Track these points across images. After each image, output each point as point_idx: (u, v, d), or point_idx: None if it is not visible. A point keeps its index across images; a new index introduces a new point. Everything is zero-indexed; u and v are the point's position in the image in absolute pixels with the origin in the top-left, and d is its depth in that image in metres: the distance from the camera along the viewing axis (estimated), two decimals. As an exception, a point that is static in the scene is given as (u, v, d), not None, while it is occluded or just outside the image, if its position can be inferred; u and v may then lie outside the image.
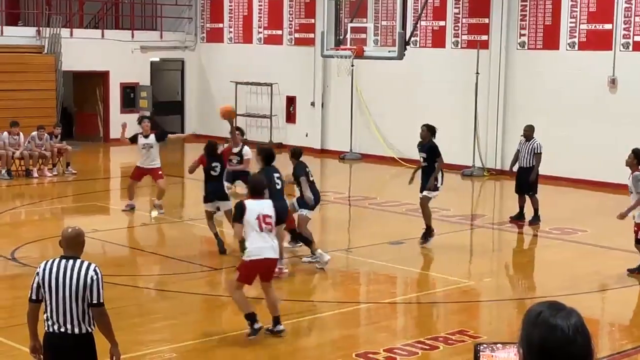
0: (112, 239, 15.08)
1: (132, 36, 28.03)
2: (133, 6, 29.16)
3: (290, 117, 27.27)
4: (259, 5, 27.75)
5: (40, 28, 26.46)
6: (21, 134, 21.32)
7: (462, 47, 23.35)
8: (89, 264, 6.94)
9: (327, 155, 25.67)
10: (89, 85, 28.26)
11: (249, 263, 9.87)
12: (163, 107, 29.60)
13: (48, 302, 6.88)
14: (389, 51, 19.48)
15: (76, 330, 6.87)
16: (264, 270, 10.02)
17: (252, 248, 9.81)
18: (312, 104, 26.46)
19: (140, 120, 17.68)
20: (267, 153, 12.66)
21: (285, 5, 27.11)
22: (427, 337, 10.20)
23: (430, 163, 14.43)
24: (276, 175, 12.47)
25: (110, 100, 28.00)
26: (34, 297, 6.98)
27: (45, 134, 21.60)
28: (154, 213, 16.93)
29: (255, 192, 10.16)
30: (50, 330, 6.91)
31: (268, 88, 27.26)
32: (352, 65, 24.24)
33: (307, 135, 26.45)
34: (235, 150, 15.51)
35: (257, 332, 9.94)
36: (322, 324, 11.12)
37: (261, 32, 27.82)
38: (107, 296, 10.35)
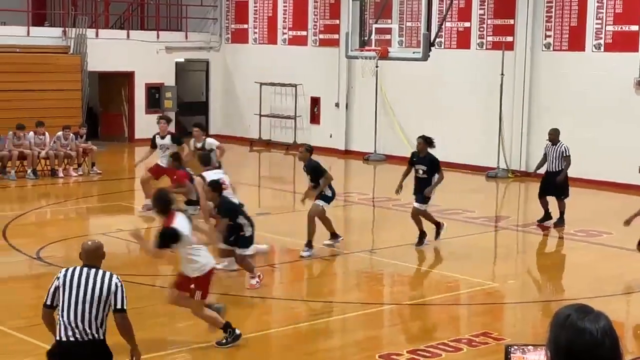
0: (131, 238, 15.11)
1: (157, 37, 28.14)
2: (158, 7, 29.28)
3: (315, 118, 27.27)
4: (284, 6, 27.78)
5: (66, 28, 26.62)
6: (47, 133, 21.47)
7: (487, 49, 23.26)
8: (111, 273, 7.07)
9: (351, 157, 25.65)
10: (114, 86, 28.40)
11: (208, 275, 9.62)
12: (188, 108, 29.70)
13: (66, 309, 6.87)
14: (414, 52, 19.43)
15: (95, 336, 6.91)
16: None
17: (205, 261, 9.56)
18: (337, 104, 26.44)
19: (157, 121, 17.87)
20: (214, 186, 12.08)
21: (310, 6, 27.12)
22: (450, 339, 10.15)
23: (429, 175, 14.37)
24: (238, 202, 12.54)
25: (135, 100, 28.13)
26: (49, 302, 7.02)
27: (71, 134, 21.73)
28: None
29: (164, 211, 9.54)
30: (64, 338, 6.88)
31: (292, 89, 27.28)
32: (377, 66, 24.22)
33: (331, 136, 26.44)
34: (199, 145, 15.78)
35: (239, 337, 9.74)
36: (346, 324, 11.11)
37: (286, 33, 27.84)
38: (131, 296, 10.41)
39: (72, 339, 6.86)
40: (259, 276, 12.11)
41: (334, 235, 14.20)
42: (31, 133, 21.35)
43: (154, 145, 17.25)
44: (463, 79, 23.47)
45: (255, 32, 28.68)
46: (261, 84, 27.76)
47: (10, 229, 15.47)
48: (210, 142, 16.15)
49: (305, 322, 10.91)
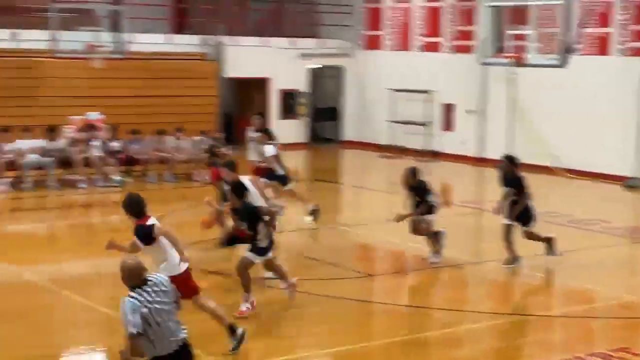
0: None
1: (293, 43, 28.52)
2: (295, 14, 29.68)
3: (447, 125, 27.09)
4: (419, 13, 27.72)
5: (205, 36, 27.29)
6: (185, 138, 22.10)
7: (627, 55, 22.59)
8: (162, 276, 7.15)
9: (484, 164, 25.33)
10: (249, 92, 28.94)
11: (185, 274, 9.35)
12: (321, 114, 30.01)
13: (166, 331, 6.84)
14: (551, 59, 19.07)
15: (185, 337, 7.04)
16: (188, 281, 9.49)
17: (177, 261, 9.32)
18: (470, 111, 26.20)
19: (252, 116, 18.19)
20: (239, 186, 11.27)
21: (444, 13, 26.98)
22: (586, 353, 9.90)
23: (519, 195, 13.58)
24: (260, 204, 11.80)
25: (270, 106, 28.58)
26: (141, 331, 6.78)
27: (208, 139, 22.26)
28: (309, 219, 17.07)
29: (138, 214, 9.27)
30: (172, 351, 6.90)
31: (425, 96, 27.17)
32: (513, 73, 23.89)
33: (463, 143, 26.20)
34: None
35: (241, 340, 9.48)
36: (476, 334, 10.97)
37: (420, 40, 27.76)
38: (261, 299, 10.59)
39: (178, 344, 6.93)
40: (252, 302, 10.96)
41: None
42: (170, 137, 22.02)
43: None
44: (602, 86, 22.86)
45: (389, 39, 28.72)
46: (394, 90, 27.77)
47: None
48: (267, 149, 16.30)
49: (435, 330, 10.85)
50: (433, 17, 27.33)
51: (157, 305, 6.83)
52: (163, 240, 9.27)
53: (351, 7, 29.50)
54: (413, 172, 13.97)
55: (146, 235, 9.17)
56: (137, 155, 21.77)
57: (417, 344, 10.35)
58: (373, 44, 29.22)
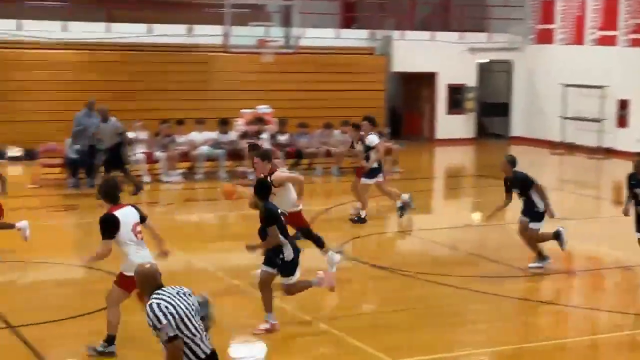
0: (434, 238, 15.30)
1: (461, 38, 28.24)
2: (463, 8, 29.38)
3: (622, 121, 26.15)
4: (594, 5, 26.85)
5: (374, 30, 27.41)
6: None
7: None
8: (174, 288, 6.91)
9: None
10: (416, 86, 28.89)
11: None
12: (489, 109, 29.59)
13: (195, 332, 6.65)
14: None
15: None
16: None
17: (137, 260, 8.34)
18: (647, 107, 25.22)
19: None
20: (262, 186, 10.04)
21: (621, 5, 26.02)
22: None
23: None
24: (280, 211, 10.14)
25: (437, 101, 28.42)
26: (177, 333, 6.52)
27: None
28: (476, 216, 16.85)
29: (112, 199, 8.91)
30: (209, 350, 6.78)
31: (599, 91, 26.31)
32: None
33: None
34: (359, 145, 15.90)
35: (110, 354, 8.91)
36: (629, 341, 10.53)
37: (594, 33, 26.90)
38: (424, 294, 10.52)
39: (209, 349, 6.82)
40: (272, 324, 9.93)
41: (541, 256, 12.99)
42: (337, 131, 22.24)
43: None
44: None
45: (561, 32, 27.97)
46: (566, 85, 27.04)
47: (316, 223, 16.16)
48: (371, 139, 15.95)
49: (604, 333, 10.50)
50: (609, 10, 26.41)
51: (180, 303, 6.58)
52: (123, 235, 8.79)
53: (522, 0, 28.92)
54: (510, 161, 13.06)
55: (106, 225, 8.75)
56: (305, 148, 22.11)
57: (585, 346, 10.06)
58: (544, 37, 28.54)
